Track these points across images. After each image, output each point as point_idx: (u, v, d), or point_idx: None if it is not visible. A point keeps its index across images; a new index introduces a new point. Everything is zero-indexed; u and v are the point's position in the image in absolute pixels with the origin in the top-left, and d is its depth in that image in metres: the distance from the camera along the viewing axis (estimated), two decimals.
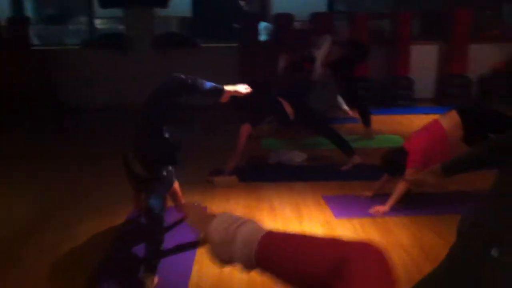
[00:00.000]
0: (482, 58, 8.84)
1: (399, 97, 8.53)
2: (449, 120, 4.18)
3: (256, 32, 8.63)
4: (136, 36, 8.83)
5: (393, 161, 4.20)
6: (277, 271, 1.04)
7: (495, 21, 9.59)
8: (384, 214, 4.10)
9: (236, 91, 3.62)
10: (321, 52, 7.28)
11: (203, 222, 1.38)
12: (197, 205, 1.51)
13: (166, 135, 3.39)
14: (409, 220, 4.02)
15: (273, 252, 1.07)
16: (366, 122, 6.49)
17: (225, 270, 3.28)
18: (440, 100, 8.85)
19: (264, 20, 9.18)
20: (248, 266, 1.16)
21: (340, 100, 6.80)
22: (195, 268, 3.33)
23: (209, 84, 3.49)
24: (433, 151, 4.08)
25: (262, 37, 9.01)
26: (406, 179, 3.63)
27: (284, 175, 5.22)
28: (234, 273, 3.27)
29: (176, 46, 8.94)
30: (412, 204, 4.20)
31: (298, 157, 5.72)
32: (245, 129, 5.10)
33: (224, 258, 1.28)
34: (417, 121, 7.71)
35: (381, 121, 7.46)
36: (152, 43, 8.87)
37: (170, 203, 4.04)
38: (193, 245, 3.59)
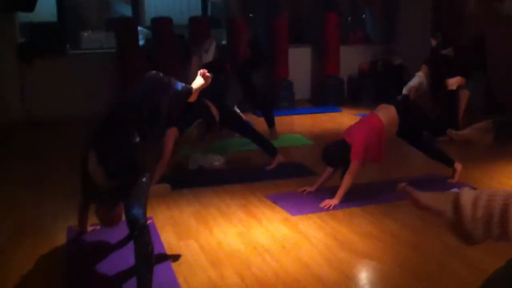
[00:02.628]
0: (349, 59, 9.49)
1: (282, 99, 8.77)
2: (387, 114, 4.41)
3: (135, 37, 8.26)
4: None
5: (336, 155, 4.31)
6: None
7: (358, 26, 10.35)
8: (335, 207, 4.19)
9: (202, 85, 3.50)
10: (209, 55, 7.27)
11: (441, 201, 1.30)
12: None
13: (137, 139, 3.12)
14: (362, 210, 4.16)
15: None
16: (270, 123, 6.57)
17: (211, 275, 3.11)
18: (317, 100, 9.30)
19: (140, 25, 8.85)
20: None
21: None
22: (180, 279, 3.09)
23: (180, 84, 3.31)
24: (372, 143, 4.29)
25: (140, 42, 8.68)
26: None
27: (213, 179, 5.08)
28: (224, 275, 3.10)
29: (43, 55, 8.18)
30: (352, 195, 4.31)
31: (216, 160, 5.61)
32: (172, 134, 4.86)
33: (479, 234, 1.21)
34: (300, 120, 8.06)
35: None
36: (16, 52, 8.04)
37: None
38: (162, 257, 3.34)
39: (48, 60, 8.13)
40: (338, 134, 7.03)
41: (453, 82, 4.65)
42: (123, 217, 3.50)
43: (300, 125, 7.70)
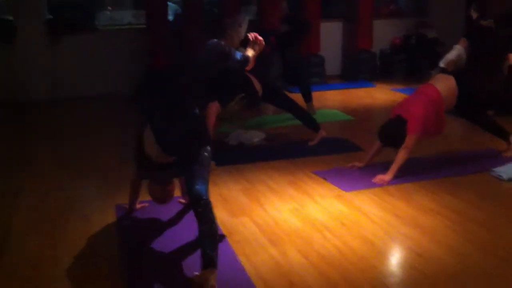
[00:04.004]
0: (381, 33, 9.22)
1: (313, 75, 8.56)
2: (445, 85, 4.22)
3: (165, 12, 8.09)
4: (23, 22, 7.76)
5: (394, 133, 4.11)
6: None
7: None
8: (389, 183, 4.03)
9: (257, 51, 3.42)
10: (243, 32, 7.06)
11: None
12: None
13: (197, 111, 3.02)
14: (418, 186, 4.01)
15: None
16: (307, 98, 6.40)
17: (273, 253, 2.99)
18: (348, 75, 9.08)
19: (169, 1, 8.67)
20: None
21: None
22: (242, 258, 2.98)
23: (238, 54, 3.22)
24: (430, 117, 4.11)
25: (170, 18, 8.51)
26: None
27: (256, 155, 4.94)
28: (286, 253, 2.98)
29: (72, 32, 8.05)
30: (403, 170, 4.15)
31: (256, 136, 5.46)
32: (214, 108, 4.72)
33: None
34: (333, 96, 7.87)
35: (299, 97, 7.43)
36: (44, 29, 7.91)
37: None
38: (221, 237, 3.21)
39: (77, 37, 8.00)
40: (375, 108, 6.97)
41: None
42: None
43: (335, 100, 7.50)
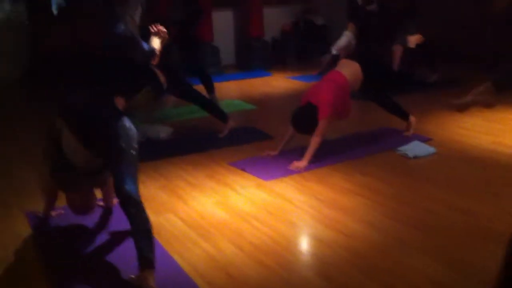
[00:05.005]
0: (271, 21, 9.39)
1: (208, 65, 8.53)
2: (350, 70, 4.40)
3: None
4: None
5: (306, 118, 4.23)
6: None
7: None
8: (304, 169, 4.15)
9: (161, 43, 3.28)
10: (137, 19, 6.85)
11: None
12: None
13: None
14: (331, 169, 4.17)
15: None
16: (210, 89, 6.36)
17: (205, 247, 2.98)
18: (243, 65, 9.16)
19: None
20: None
21: None
22: (175, 256, 2.93)
23: (145, 44, 3.07)
24: (339, 101, 4.27)
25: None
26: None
27: (168, 150, 4.85)
28: (219, 246, 2.98)
29: None
30: (317, 156, 4.29)
31: (164, 131, 5.35)
32: (118, 103, 4.55)
33: None
34: (232, 86, 7.92)
35: (201, 89, 7.40)
36: None
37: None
38: None
39: None
40: (274, 96, 7.11)
41: (413, 40, 4.73)
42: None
43: (234, 90, 7.56)
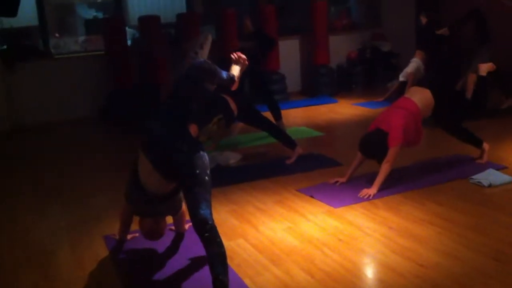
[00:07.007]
0: (337, 48, 9.42)
1: (275, 92, 8.62)
2: (422, 97, 4.36)
3: (124, 37, 8.02)
4: None
5: (375, 144, 4.20)
6: None
7: (343, 13, 10.26)
8: (375, 196, 4.11)
9: (241, 70, 3.49)
10: (205, 51, 7.06)
11: None
12: None
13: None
14: (403, 196, 4.11)
15: None
16: (277, 116, 6.43)
17: (276, 273, 2.99)
18: (309, 91, 9.20)
19: (126, 25, 8.59)
20: None
21: None
22: (247, 281, 2.97)
23: (224, 72, 3.26)
24: (409, 128, 4.23)
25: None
26: None
27: (237, 176, 4.93)
28: (290, 272, 2.98)
29: (26, 59, 7.86)
30: (387, 183, 4.24)
31: (233, 158, 5.46)
32: (192, 131, 4.68)
33: None
34: (298, 113, 7.95)
35: (268, 116, 7.49)
36: None
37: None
38: None
39: (33, 65, 7.82)
40: (341, 123, 7.09)
41: (484, 69, 4.63)
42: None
43: (301, 117, 7.59)
